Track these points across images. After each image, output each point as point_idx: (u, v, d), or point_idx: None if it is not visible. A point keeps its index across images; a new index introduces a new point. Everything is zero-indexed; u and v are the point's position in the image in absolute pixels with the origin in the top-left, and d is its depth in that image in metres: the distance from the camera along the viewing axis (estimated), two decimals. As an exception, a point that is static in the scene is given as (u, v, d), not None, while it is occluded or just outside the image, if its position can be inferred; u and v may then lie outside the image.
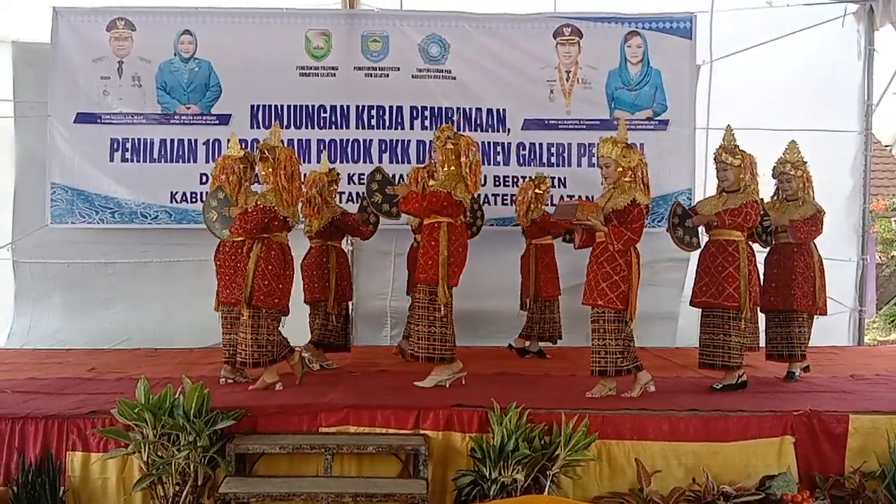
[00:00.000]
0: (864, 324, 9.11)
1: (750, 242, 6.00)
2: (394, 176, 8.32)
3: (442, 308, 5.69)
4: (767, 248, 6.56)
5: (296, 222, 5.86)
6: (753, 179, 5.89)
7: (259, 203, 5.61)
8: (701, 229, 6.04)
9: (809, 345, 6.59)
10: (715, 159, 5.99)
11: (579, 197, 7.44)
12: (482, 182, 8.24)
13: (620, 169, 5.51)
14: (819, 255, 6.44)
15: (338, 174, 7.13)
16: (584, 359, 6.11)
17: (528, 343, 7.70)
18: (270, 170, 5.66)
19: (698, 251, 6.04)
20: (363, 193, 7.18)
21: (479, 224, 7.54)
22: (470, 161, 5.77)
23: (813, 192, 6.45)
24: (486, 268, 8.26)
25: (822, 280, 6.40)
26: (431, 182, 6.11)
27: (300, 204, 6.14)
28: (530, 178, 7.71)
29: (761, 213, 6.26)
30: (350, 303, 7.37)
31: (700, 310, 6.01)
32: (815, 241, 6.44)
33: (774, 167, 6.50)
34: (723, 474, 4.82)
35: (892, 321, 14.70)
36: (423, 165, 7.28)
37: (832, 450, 4.98)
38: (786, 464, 4.89)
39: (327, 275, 6.79)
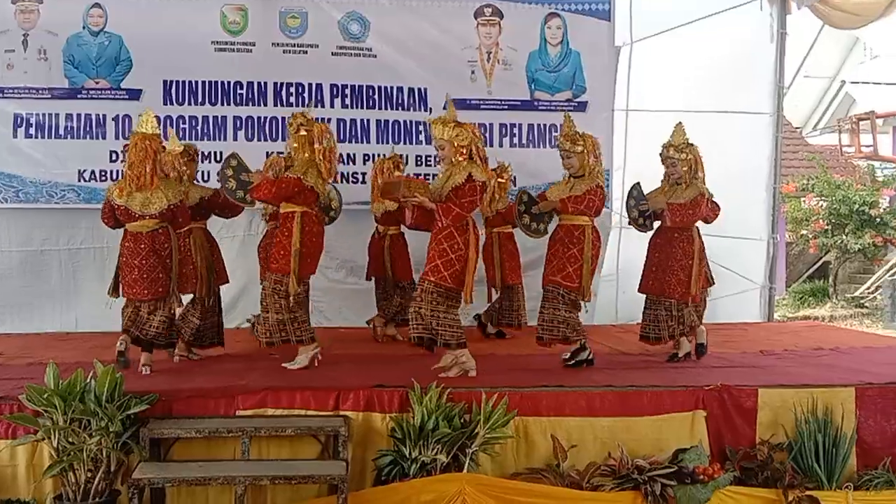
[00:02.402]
0: (773, 301, 9.37)
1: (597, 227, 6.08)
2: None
3: (290, 297, 5.66)
4: (646, 233, 6.50)
5: (144, 210, 5.64)
6: (598, 161, 5.96)
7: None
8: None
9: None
10: (558, 148, 6.04)
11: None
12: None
13: (454, 148, 5.47)
14: (701, 242, 6.33)
15: (196, 151, 6.61)
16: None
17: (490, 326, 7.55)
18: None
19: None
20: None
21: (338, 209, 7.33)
22: (324, 147, 5.70)
23: (703, 173, 6.30)
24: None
25: (699, 267, 6.27)
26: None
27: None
28: (493, 167, 7.54)
29: (636, 196, 6.38)
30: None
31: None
32: (698, 225, 6.33)
33: (660, 151, 6.37)
34: (637, 448, 4.91)
35: (801, 298, 15.29)
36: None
37: (743, 423, 5.11)
38: (698, 437, 5.00)
39: (192, 259, 6.28)
